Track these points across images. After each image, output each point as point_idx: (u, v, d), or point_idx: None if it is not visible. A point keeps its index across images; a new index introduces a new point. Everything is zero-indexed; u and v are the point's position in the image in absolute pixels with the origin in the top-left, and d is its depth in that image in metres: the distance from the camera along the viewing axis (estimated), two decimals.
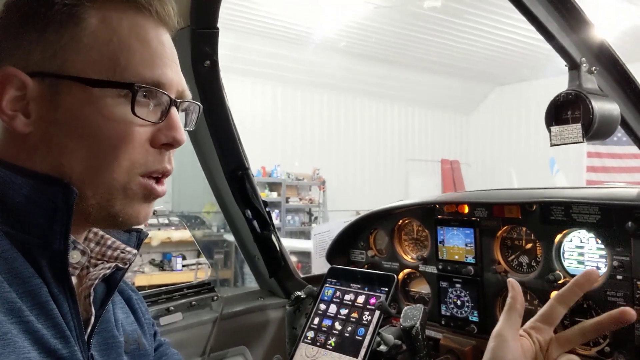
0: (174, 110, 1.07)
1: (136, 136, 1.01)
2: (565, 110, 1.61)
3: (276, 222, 13.27)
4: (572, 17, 1.61)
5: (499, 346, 1.23)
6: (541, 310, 1.32)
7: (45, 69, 0.99)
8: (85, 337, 1.04)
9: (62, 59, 0.99)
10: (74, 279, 1.04)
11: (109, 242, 1.18)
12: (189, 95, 1.14)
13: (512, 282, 1.34)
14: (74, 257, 1.06)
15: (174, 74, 1.07)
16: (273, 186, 14.23)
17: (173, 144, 1.07)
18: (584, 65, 1.62)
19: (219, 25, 1.98)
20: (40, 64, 0.99)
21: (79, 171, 0.99)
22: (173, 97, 1.06)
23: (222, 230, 11.23)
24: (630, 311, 1.20)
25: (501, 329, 1.26)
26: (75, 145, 0.99)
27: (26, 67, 0.99)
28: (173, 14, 1.10)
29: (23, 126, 0.99)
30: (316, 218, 14.82)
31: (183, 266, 9.81)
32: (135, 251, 1.20)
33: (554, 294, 1.83)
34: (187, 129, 1.20)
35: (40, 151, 1.00)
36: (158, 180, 1.09)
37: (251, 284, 2.73)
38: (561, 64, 1.67)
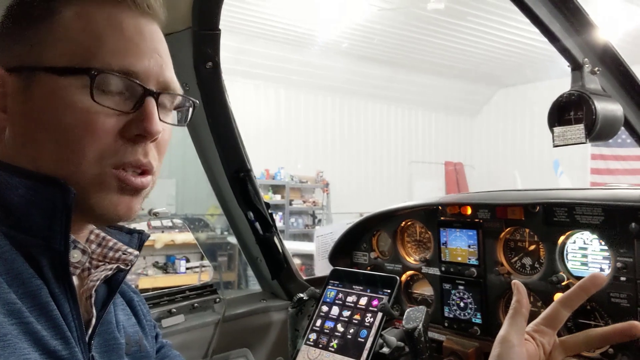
0: (149, 100, 1.03)
1: (101, 126, 0.98)
2: (568, 111, 1.60)
3: (280, 224, 13.29)
4: (575, 18, 1.61)
5: (506, 352, 1.20)
6: (544, 313, 1.30)
7: (22, 63, 0.99)
8: (86, 339, 1.03)
9: (38, 53, 0.99)
10: (75, 280, 1.04)
11: (111, 244, 1.17)
12: (175, 88, 1.11)
13: (518, 284, 1.31)
14: (75, 256, 1.06)
15: (152, 64, 1.04)
16: (276, 189, 14.21)
17: (145, 135, 1.02)
18: (587, 65, 1.62)
19: (222, 27, 1.97)
20: (19, 59, 1.00)
21: (50, 165, 0.98)
22: (151, 88, 1.04)
23: (225, 233, 11.23)
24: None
25: (507, 333, 1.23)
26: (44, 138, 0.98)
27: (6, 63, 1.00)
28: (155, 4, 1.08)
29: (1, 121, 1.00)
30: (320, 220, 14.80)
31: (187, 269, 9.84)
32: (136, 252, 1.19)
33: (557, 295, 1.82)
34: (180, 125, 1.19)
35: (16, 146, 1.00)
36: (138, 174, 1.05)
37: (255, 286, 2.73)
38: (565, 65, 1.67)
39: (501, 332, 1.24)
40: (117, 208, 1.03)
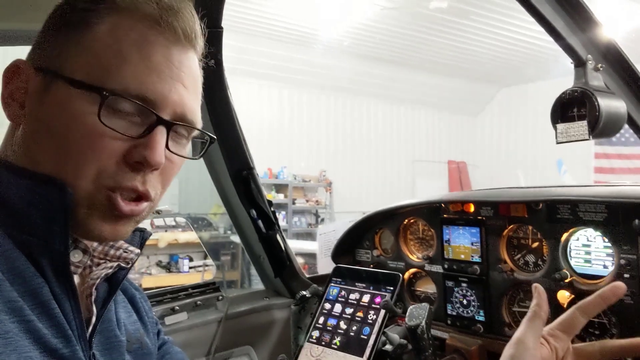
0: (159, 129, 1.01)
1: (106, 146, 0.97)
2: (571, 108, 1.60)
3: (283, 223, 13.31)
4: (578, 15, 1.61)
5: (520, 354, 1.19)
6: (561, 318, 1.29)
7: (48, 66, 1.00)
8: (87, 337, 1.03)
9: (64, 59, 0.99)
10: (76, 278, 1.04)
11: (112, 242, 1.18)
12: (194, 121, 1.09)
13: (539, 288, 1.30)
14: (76, 256, 1.06)
15: (172, 93, 1.02)
16: (280, 188, 14.22)
17: (143, 163, 1.00)
18: (590, 62, 1.62)
19: (225, 27, 1.97)
20: (46, 61, 1.01)
21: (51, 171, 0.98)
22: (165, 117, 1.02)
23: (229, 232, 11.24)
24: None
25: (523, 335, 1.22)
26: (47, 144, 0.99)
27: (37, 62, 1.02)
28: (194, 33, 1.08)
29: (14, 116, 1.02)
30: (323, 220, 14.80)
31: (190, 268, 9.83)
32: (138, 250, 1.19)
33: (560, 293, 1.82)
34: (194, 157, 1.19)
35: (23, 146, 1.01)
36: (133, 200, 1.03)
37: (258, 285, 2.73)
38: (568, 64, 1.66)
39: (518, 334, 1.23)
40: (101, 230, 1.02)
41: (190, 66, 1.08)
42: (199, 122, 1.11)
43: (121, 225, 1.04)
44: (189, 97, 1.06)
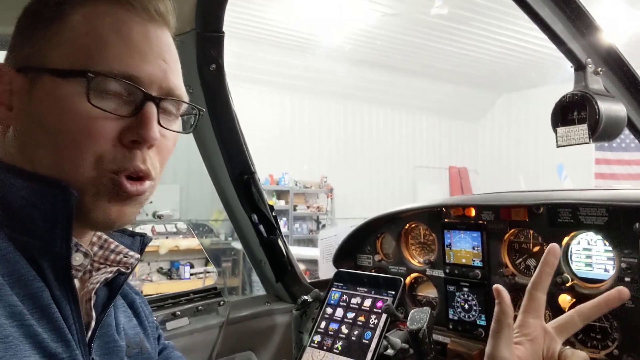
0: (148, 106, 1.02)
1: (99, 130, 0.98)
2: (571, 112, 1.60)
3: (284, 229, 13.29)
4: (578, 18, 1.61)
5: None
6: (558, 320, 1.25)
7: (29, 64, 1.01)
8: (87, 341, 1.03)
9: (44, 54, 1.00)
10: (76, 282, 1.04)
11: (112, 246, 1.18)
12: (180, 95, 1.10)
13: (499, 289, 1.20)
14: (77, 259, 1.06)
15: (156, 70, 1.04)
16: (281, 194, 14.22)
17: (140, 140, 1.01)
18: (590, 66, 1.62)
19: (226, 32, 1.98)
20: (27, 59, 1.01)
21: (47, 166, 0.98)
22: (153, 93, 1.03)
23: (229, 239, 11.24)
24: (625, 290, 1.18)
25: (496, 351, 1.15)
26: (43, 140, 0.99)
27: (17, 62, 1.02)
28: (165, 10, 1.08)
29: (5, 119, 1.02)
30: (324, 226, 14.79)
31: (191, 274, 9.85)
32: (138, 255, 1.20)
33: (562, 297, 1.82)
34: (186, 132, 1.19)
35: (17, 146, 1.01)
36: (134, 180, 1.04)
37: (259, 292, 2.73)
38: (569, 70, 1.67)
39: (490, 350, 1.17)
40: (108, 213, 1.02)
41: (167, 42, 1.09)
42: (185, 97, 1.12)
43: (127, 207, 1.05)
44: (171, 72, 1.07)
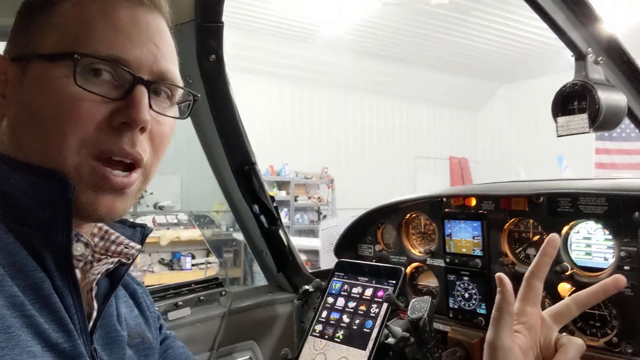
0: (138, 88, 1.01)
1: (85, 112, 0.97)
2: (571, 101, 1.60)
3: (285, 220, 13.29)
4: (579, 8, 1.61)
5: (504, 358, 1.14)
6: (554, 308, 1.25)
7: (22, 52, 1.02)
8: (88, 331, 1.04)
9: (35, 41, 1.01)
10: (77, 273, 1.04)
11: (113, 237, 1.18)
12: (173, 79, 1.09)
13: (502, 278, 1.20)
14: (78, 249, 1.07)
15: (145, 53, 1.03)
16: (282, 185, 14.24)
17: (130, 123, 0.99)
18: (590, 55, 1.62)
19: (226, 22, 1.97)
20: (21, 49, 1.03)
21: (35, 152, 0.98)
22: (144, 77, 1.02)
23: (231, 229, 11.24)
24: (622, 277, 1.18)
25: (498, 339, 1.15)
26: (30, 125, 0.99)
27: (11, 52, 1.04)
28: None
29: (1, 107, 1.03)
30: (325, 216, 14.80)
31: (192, 265, 9.85)
32: (138, 246, 1.20)
33: (562, 285, 1.83)
34: (182, 117, 1.18)
35: (9, 134, 1.02)
36: (125, 167, 1.03)
37: (261, 282, 2.74)
38: (569, 60, 1.67)
39: (491, 337, 1.17)
40: (97, 207, 1.01)
41: (158, 27, 1.08)
42: (179, 82, 1.11)
43: (116, 202, 1.03)
44: (162, 56, 1.06)
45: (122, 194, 1.04)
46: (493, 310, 1.19)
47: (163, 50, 1.07)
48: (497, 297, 1.19)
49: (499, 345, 1.15)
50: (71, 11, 1.01)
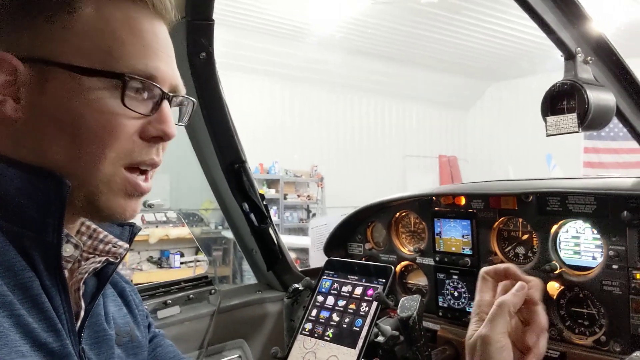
0: (165, 103, 1.06)
1: (124, 128, 1.00)
2: (560, 101, 1.61)
3: (275, 218, 13.28)
4: (568, 7, 1.61)
5: (498, 355, 1.17)
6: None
7: (35, 55, 0.98)
8: (76, 331, 1.04)
9: (53, 46, 0.98)
10: (65, 273, 1.03)
11: (101, 236, 1.18)
12: (182, 90, 1.13)
13: (536, 282, 1.28)
14: (67, 250, 1.06)
15: (167, 68, 1.06)
16: (271, 183, 14.22)
17: (163, 137, 1.06)
18: (580, 55, 1.62)
19: (216, 20, 1.97)
20: (31, 50, 0.98)
21: (62, 161, 0.98)
22: (166, 90, 1.06)
23: (220, 227, 11.21)
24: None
25: (493, 334, 1.18)
26: (59, 134, 0.98)
27: (17, 52, 0.98)
28: (170, 7, 1.09)
29: (12, 111, 0.98)
30: (314, 215, 14.78)
31: (181, 263, 9.82)
32: (126, 245, 1.20)
33: (550, 284, 1.84)
34: (181, 124, 1.20)
35: (26, 139, 0.99)
36: (144, 172, 1.08)
37: (250, 281, 2.74)
38: (559, 60, 1.67)
39: (486, 332, 1.20)
40: (125, 211, 1.06)
41: (168, 38, 1.11)
42: (184, 90, 1.15)
43: (138, 205, 1.10)
44: (175, 67, 1.11)
45: (141, 196, 1.09)
46: (494, 306, 1.22)
47: (174, 61, 1.11)
48: (501, 295, 1.25)
49: (494, 340, 1.18)
50: (95, 20, 1.00)
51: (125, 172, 1.03)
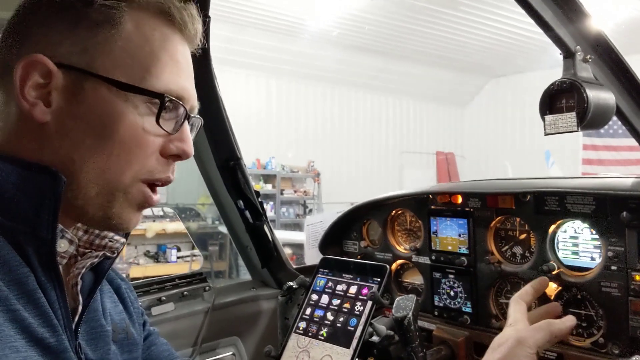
0: (186, 123, 1.10)
1: (151, 144, 1.04)
2: (559, 99, 1.59)
3: (271, 214, 13.34)
4: (567, 6, 1.60)
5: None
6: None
7: (73, 63, 1.00)
8: (73, 326, 1.04)
9: (92, 57, 1.00)
10: (61, 268, 1.04)
11: (97, 231, 1.17)
12: (197, 109, 1.17)
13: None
14: (62, 246, 1.06)
15: (191, 89, 1.11)
16: (268, 178, 14.25)
17: (182, 155, 1.10)
18: (579, 53, 1.61)
19: (212, 16, 1.95)
20: (68, 57, 1.00)
21: (90, 168, 1.01)
22: (188, 111, 1.10)
23: (216, 222, 11.22)
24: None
25: (532, 339, 1.37)
26: (90, 143, 1.00)
27: (53, 57, 0.99)
28: (199, 34, 1.14)
29: (42, 114, 0.99)
30: (311, 210, 14.84)
31: (178, 258, 9.85)
32: (123, 240, 1.20)
33: (549, 284, 1.82)
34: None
35: (53, 143, 1.01)
36: (154, 187, 1.11)
37: (245, 276, 2.73)
38: (557, 56, 1.66)
39: (523, 334, 1.38)
40: (131, 221, 1.10)
41: (191, 61, 1.16)
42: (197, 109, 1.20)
43: (141, 215, 1.13)
44: (194, 88, 1.15)
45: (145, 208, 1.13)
46: (544, 322, 1.43)
47: (194, 82, 1.16)
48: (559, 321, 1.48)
49: (530, 344, 1.35)
50: (135, 36, 1.03)
51: (142, 185, 1.07)
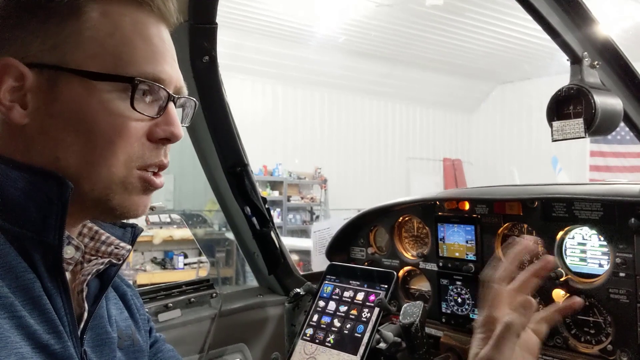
0: (171, 105, 1.08)
1: (133, 131, 1.01)
2: (567, 105, 1.59)
3: (278, 220, 13.34)
4: (575, 12, 1.60)
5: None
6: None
7: (44, 61, 0.98)
8: (78, 333, 1.03)
9: (62, 52, 0.98)
10: (67, 275, 1.03)
11: (103, 238, 1.17)
12: (185, 91, 1.15)
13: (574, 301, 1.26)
14: (68, 252, 1.05)
15: (172, 70, 1.08)
16: (274, 185, 14.24)
17: (170, 138, 1.07)
18: (586, 59, 1.61)
19: (219, 22, 1.96)
20: (39, 56, 0.99)
21: (75, 165, 0.99)
22: (171, 92, 1.07)
23: (223, 229, 11.22)
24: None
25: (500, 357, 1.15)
26: (72, 139, 0.99)
27: (25, 57, 0.98)
28: (174, 11, 1.11)
29: (20, 117, 0.98)
30: (317, 217, 14.82)
31: (185, 264, 9.83)
32: (129, 247, 1.20)
33: (555, 291, 1.82)
34: (183, 124, 1.20)
35: (36, 144, 1.00)
36: (155, 173, 1.09)
37: (252, 282, 2.73)
38: (564, 61, 1.65)
39: (491, 354, 1.16)
40: (138, 208, 1.08)
41: (171, 40, 1.13)
42: (187, 91, 1.17)
43: (149, 199, 1.12)
44: (178, 69, 1.12)
45: (153, 192, 1.12)
46: (501, 326, 1.16)
47: (177, 63, 1.13)
48: (515, 315, 1.17)
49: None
50: (103, 24, 1.00)
51: (139, 171, 1.05)
